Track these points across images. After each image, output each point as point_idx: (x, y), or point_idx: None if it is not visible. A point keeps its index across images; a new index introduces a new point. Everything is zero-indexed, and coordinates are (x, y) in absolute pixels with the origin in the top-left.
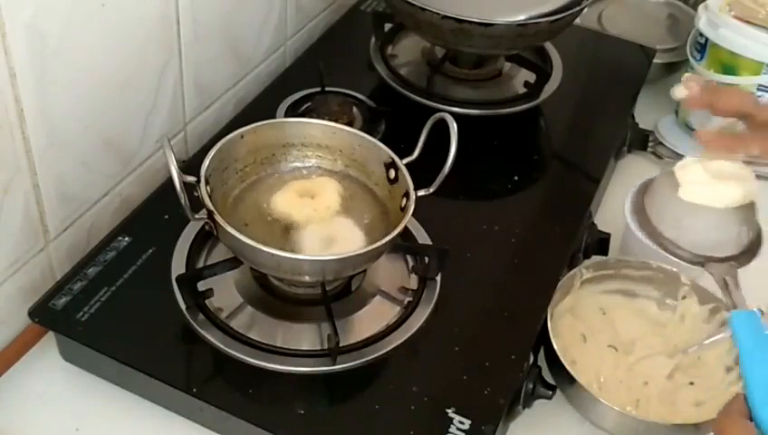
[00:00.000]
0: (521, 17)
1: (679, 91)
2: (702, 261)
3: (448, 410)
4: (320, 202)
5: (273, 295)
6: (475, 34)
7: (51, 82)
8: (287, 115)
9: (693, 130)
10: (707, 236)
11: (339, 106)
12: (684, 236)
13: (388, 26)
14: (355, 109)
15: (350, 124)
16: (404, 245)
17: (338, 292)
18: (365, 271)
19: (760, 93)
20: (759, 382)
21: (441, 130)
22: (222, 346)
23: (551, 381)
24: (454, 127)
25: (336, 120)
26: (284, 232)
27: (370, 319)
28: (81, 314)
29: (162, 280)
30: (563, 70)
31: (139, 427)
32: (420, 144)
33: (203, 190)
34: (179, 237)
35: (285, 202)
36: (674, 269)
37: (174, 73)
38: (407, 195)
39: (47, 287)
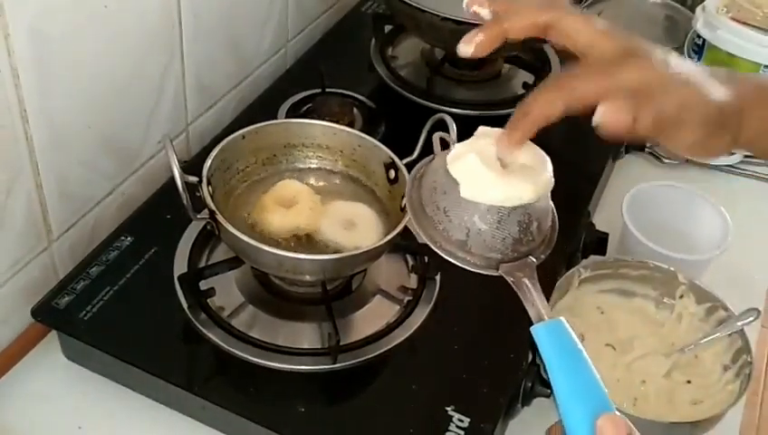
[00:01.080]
0: None
1: (464, 49)
2: (495, 265)
3: (448, 409)
4: (307, 199)
5: (274, 294)
6: None
7: (54, 83)
8: (288, 116)
9: None
10: (500, 235)
11: (339, 107)
12: (474, 239)
13: (388, 28)
14: (355, 109)
15: (350, 125)
16: (404, 244)
17: (338, 291)
18: (365, 270)
19: None
20: (571, 407)
21: (441, 130)
22: (223, 345)
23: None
24: (453, 128)
25: (337, 121)
26: (299, 241)
27: (371, 318)
28: (84, 313)
29: (164, 279)
30: (561, 71)
31: (140, 425)
32: (420, 144)
33: (205, 190)
34: (181, 237)
35: (284, 218)
36: (671, 269)
37: (176, 74)
38: None
39: (50, 287)
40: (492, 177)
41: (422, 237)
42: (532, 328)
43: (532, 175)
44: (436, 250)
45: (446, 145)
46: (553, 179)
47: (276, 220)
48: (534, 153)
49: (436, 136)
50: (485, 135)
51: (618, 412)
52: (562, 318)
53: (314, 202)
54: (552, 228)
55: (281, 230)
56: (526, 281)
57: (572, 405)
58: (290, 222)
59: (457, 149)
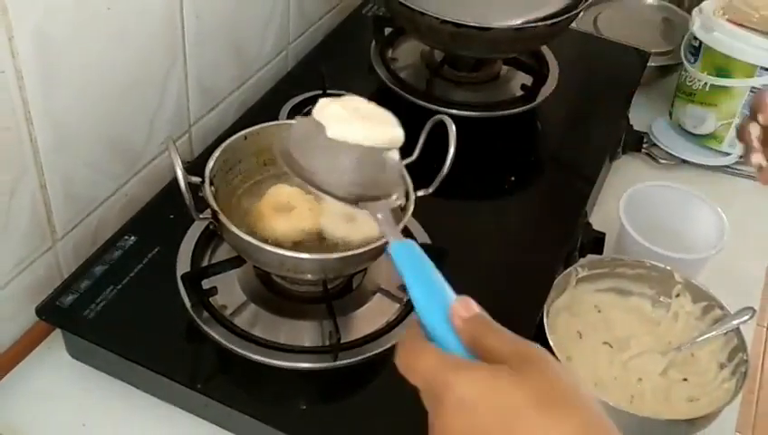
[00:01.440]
0: (518, 21)
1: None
2: (356, 199)
3: None
4: (303, 201)
5: (275, 293)
6: (473, 38)
7: (57, 84)
8: (290, 117)
9: (686, 131)
10: (359, 173)
11: None
12: (338, 178)
13: (388, 30)
14: None
15: None
16: None
17: (339, 289)
18: (366, 269)
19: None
20: (425, 302)
21: (440, 131)
22: (226, 343)
23: None
24: (452, 129)
25: None
26: (305, 241)
27: (371, 316)
28: (88, 311)
29: (167, 278)
30: (559, 73)
31: (144, 422)
32: (420, 145)
33: (207, 191)
34: (184, 237)
35: (287, 224)
36: (668, 268)
37: (179, 76)
38: (406, 195)
39: (54, 286)
40: (354, 120)
41: (294, 177)
42: (388, 247)
43: (387, 127)
44: (306, 184)
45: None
46: (403, 137)
47: (280, 227)
48: (388, 115)
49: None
50: (349, 99)
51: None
52: (414, 241)
53: (310, 202)
54: (405, 185)
55: (286, 237)
56: (380, 214)
57: (427, 304)
58: (293, 227)
59: (323, 102)
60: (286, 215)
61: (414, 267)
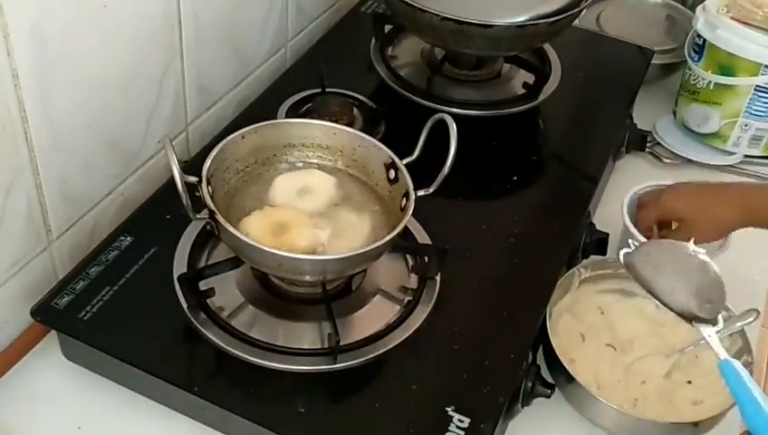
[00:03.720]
0: (520, 19)
1: None
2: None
3: (448, 409)
4: (296, 220)
5: (274, 294)
6: (474, 36)
7: (53, 84)
8: (288, 116)
9: (690, 130)
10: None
11: (339, 107)
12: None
13: (388, 28)
14: (355, 109)
15: (350, 125)
16: (404, 244)
17: (338, 291)
18: (365, 270)
19: (757, 95)
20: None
21: (441, 130)
22: (223, 345)
23: (549, 379)
24: (453, 128)
25: (336, 121)
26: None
27: (371, 318)
28: (84, 313)
29: (164, 279)
30: (562, 71)
31: (140, 425)
32: (420, 145)
33: (204, 190)
34: (181, 237)
35: (286, 246)
36: None
37: (176, 74)
38: (406, 195)
39: (50, 287)
40: None
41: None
42: (721, 362)
43: None
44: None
45: None
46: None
47: (295, 240)
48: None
49: None
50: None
51: None
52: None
53: (303, 219)
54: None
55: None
56: (709, 334)
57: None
58: (292, 247)
59: None
60: (281, 238)
61: (741, 383)
